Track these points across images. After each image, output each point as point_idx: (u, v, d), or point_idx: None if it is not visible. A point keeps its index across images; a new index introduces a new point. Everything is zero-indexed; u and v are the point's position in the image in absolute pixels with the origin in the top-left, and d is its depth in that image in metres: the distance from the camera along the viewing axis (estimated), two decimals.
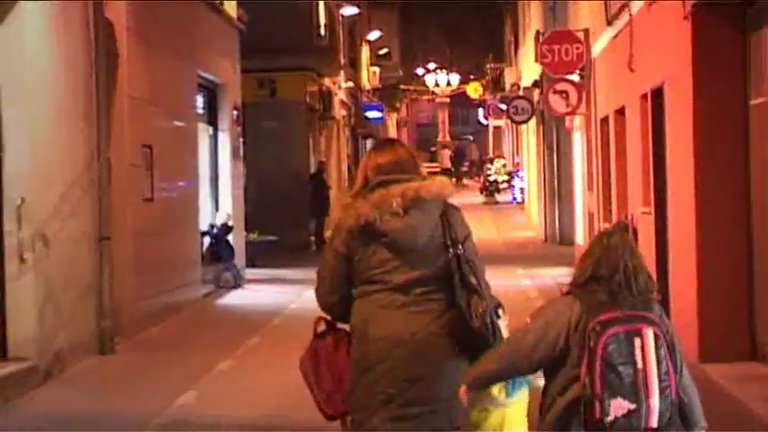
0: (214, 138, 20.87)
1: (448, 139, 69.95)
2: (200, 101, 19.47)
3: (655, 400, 4.60)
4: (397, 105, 63.82)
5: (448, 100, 67.77)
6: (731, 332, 11.07)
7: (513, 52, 45.43)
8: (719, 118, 11.23)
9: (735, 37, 11.12)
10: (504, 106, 39.05)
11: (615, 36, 16.52)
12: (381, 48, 51.99)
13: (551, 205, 28.07)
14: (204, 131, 20.11)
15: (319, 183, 28.93)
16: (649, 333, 4.63)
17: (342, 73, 37.34)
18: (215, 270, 19.34)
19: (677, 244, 12.50)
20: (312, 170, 29.46)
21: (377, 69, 50.11)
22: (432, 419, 5.36)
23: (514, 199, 44.27)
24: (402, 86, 60.36)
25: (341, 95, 37.94)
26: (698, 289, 11.34)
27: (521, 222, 35.91)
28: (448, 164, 63.72)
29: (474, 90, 63.32)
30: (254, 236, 22.97)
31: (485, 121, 64.99)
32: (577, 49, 19.85)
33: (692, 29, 11.33)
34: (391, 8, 57.46)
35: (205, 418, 9.67)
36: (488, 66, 57.48)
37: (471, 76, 65.85)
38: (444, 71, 66.16)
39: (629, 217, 15.40)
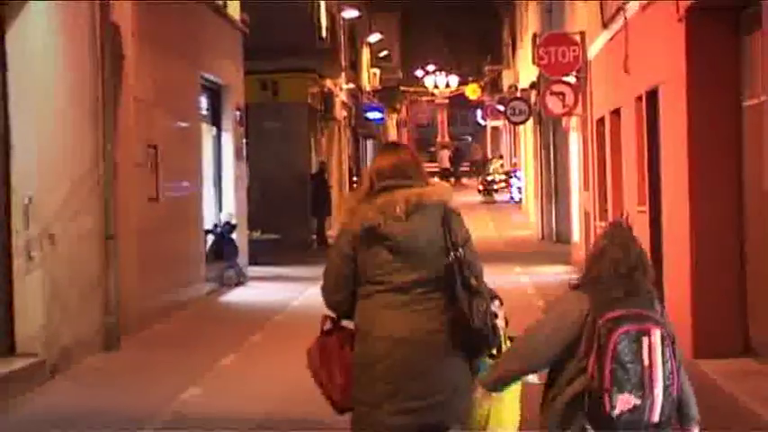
0: (217, 138, 20.87)
1: (447, 139, 69.95)
2: (203, 102, 19.47)
3: (658, 397, 4.68)
4: (397, 106, 63.81)
5: (447, 101, 67.81)
6: (724, 329, 11.07)
7: (510, 54, 45.44)
8: (713, 119, 11.22)
9: (728, 39, 11.11)
10: (501, 107, 39.11)
11: (611, 38, 16.52)
12: (381, 50, 52.02)
13: (548, 204, 28.07)
14: (208, 132, 20.11)
15: (321, 182, 28.93)
16: (657, 333, 4.71)
17: (343, 75, 37.35)
18: (218, 268, 19.34)
19: (671, 242, 12.50)
20: (314, 170, 29.45)
21: (377, 71, 50.13)
22: (433, 413, 5.48)
23: (512, 198, 44.26)
24: (402, 88, 60.37)
25: (342, 97, 37.95)
26: (692, 287, 11.34)
27: (518, 221, 35.91)
28: (447, 164, 63.71)
29: (472, 91, 63.32)
30: (256, 234, 22.99)
31: (483, 122, 65.07)
32: (574, 51, 19.86)
33: (686, 32, 11.33)
34: (391, 11, 57.48)
35: (209, 412, 9.67)
36: (486, 68, 57.53)
37: (470, 78, 65.86)
38: (443, 73, 66.18)
39: (625, 216, 15.39)
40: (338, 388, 5.71)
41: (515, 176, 44.36)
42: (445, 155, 66.06)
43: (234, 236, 20.00)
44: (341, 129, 38.11)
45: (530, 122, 31.36)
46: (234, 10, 21.06)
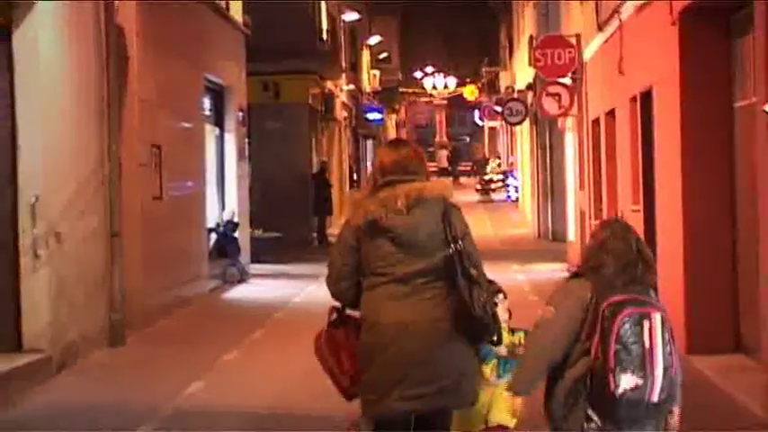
0: (220, 138, 20.86)
1: (445, 139, 69.97)
2: (206, 103, 19.46)
3: (659, 378, 4.81)
4: (397, 107, 63.79)
5: (445, 102, 67.82)
6: (717, 326, 11.08)
7: (507, 56, 45.41)
8: (706, 119, 11.23)
9: (720, 42, 11.12)
10: (499, 108, 39.04)
11: (606, 41, 16.53)
12: (381, 52, 52.00)
13: (544, 203, 28.08)
14: (211, 132, 20.10)
15: (322, 182, 28.92)
16: (657, 317, 4.86)
17: (343, 76, 37.34)
18: (221, 265, 19.35)
19: (665, 241, 12.51)
20: (315, 169, 29.45)
21: (377, 73, 50.12)
22: (439, 398, 5.62)
23: (509, 197, 44.25)
24: (401, 89, 60.35)
25: (342, 98, 37.94)
26: (685, 284, 11.35)
27: (515, 220, 35.91)
28: (445, 163, 63.68)
29: (470, 93, 63.31)
30: (258, 233, 22.98)
31: (480, 123, 64.98)
32: (569, 53, 19.85)
33: (680, 34, 11.34)
34: (391, 14, 57.47)
35: (212, 406, 9.68)
36: (484, 69, 57.46)
37: (468, 80, 65.84)
38: (442, 74, 66.19)
39: (619, 214, 15.41)
40: (346, 375, 5.83)
41: (512, 176, 44.35)
42: (443, 155, 66.07)
43: (237, 234, 20.01)
44: (341, 129, 38.11)
45: (526, 123, 31.36)
46: (236, 12, 21.06)
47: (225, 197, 20.92)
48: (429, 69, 67.54)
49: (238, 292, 18.60)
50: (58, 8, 11.55)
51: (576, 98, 20.15)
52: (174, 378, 10.91)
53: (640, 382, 4.78)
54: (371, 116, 46.48)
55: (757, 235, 8.96)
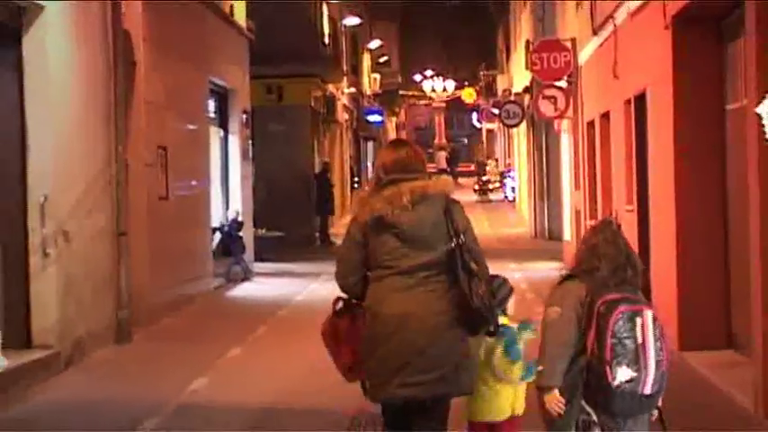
0: (225, 140, 20.87)
1: (444, 141, 69.92)
2: (211, 105, 19.47)
3: (651, 371, 4.96)
4: (397, 110, 63.80)
5: (444, 105, 67.78)
6: (709, 322, 11.08)
7: (505, 60, 45.42)
8: (698, 122, 11.23)
9: (712, 46, 11.12)
10: (496, 111, 39.04)
11: (600, 45, 16.52)
12: (381, 56, 51.98)
13: (541, 203, 28.07)
14: (215, 134, 20.11)
15: (323, 182, 28.91)
16: (649, 314, 5.02)
17: (344, 79, 37.33)
18: (225, 264, 19.34)
19: (658, 239, 12.51)
20: (317, 170, 29.44)
21: (377, 76, 50.11)
22: (439, 385, 5.76)
23: (506, 197, 44.24)
24: (401, 92, 60.35)
25: (343, 100, 37.94)
26: (677, 282, 11.34)
27: (512, 219, 35.91)
28: (444, 164, 63.64)
29: (468, 95, 63.31)
30: (262, 232, 22.98)
31: (478, 125, 65.02)
32: (565, 57, 19.84)
33: (673, 38, 11.33)
34: (391, 19, 57.47)
35: (216, 402, 9.67)
36: (482, 73, 57.49)
37: (466, 83, 65.88)
38: (441, 78, 66.18)
39: (614, 214, 15.40)
40: (348, 360, 5.97)
41: (509, 177, 44.34)
42: (442, 156, 66.01)
43: (242, 233, 20.00)
44: (342, 131, 38.11)
45: (523, 125, 31.35)
46: (240, 17, 21.05)
47: (229, 197, 20.93)
48: (428, 73, 67.55)
49: (242, 290, 18.59)
50: (67, 13, 11.56)
51: (571, 101, 20.14)
52: (178, 374, 10.90)
53: (635, 374, 4.92)
54: (372, 118, 46.48)
55: (748, 233, 8.95)
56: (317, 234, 28.35)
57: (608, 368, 4.90)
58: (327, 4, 32.13)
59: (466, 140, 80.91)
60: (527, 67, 22.64)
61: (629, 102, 14.24)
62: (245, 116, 21.37)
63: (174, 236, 15.64)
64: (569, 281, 5.22)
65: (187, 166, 16.68)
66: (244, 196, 21.12)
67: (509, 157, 48.01)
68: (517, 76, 35.46)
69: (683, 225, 11.32)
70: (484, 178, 49.66)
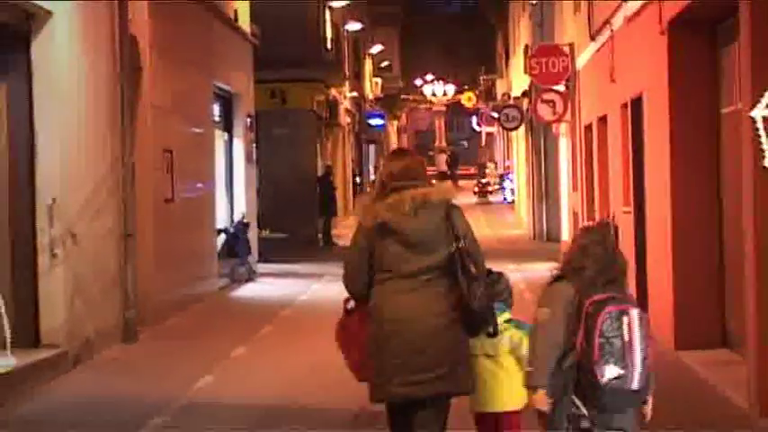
0: (229, 143, 20.87)
1: (444, 144, 69.90)
2: (216, 109, 19.47)
3: (637, 368, 5.06)
4: (398, 113, 63.85)
5: (444, 108, 67.77)
6: (704, 322, 11.07)
7: (504, 65, 45.41)
8: (693, 125, 11.23)
9: (707, 51, 11.12)
10: (495, 114, 39.05)
11: (598, 50, 16.53)
12: (383, 60, 52.06)
13: (539, 205, 28.05)
14: (220, 137, 20.11)
15: (326, 184, 28.92)
16: (635, 313, 5.11)
17: (347, 84, 37.35)
18: (230, 264, 19.34)
19: (654, 240, 12.51)
20: (319, 173, 29.44)
21: (379, 80, 50.17)
22: (438, 384, 5.87)
23: (505, 199, 44.23)
24: (402, 96, 60.41)
25: (346, 104, 37.96)
26: (673, 282, 11.34)
27: (511, 221, 35.89)
28: (444, 167, 63.63)
29: (468, 99, 63.31)
30: (266, 233, 22.98)
31: (478, 128, 64.94)
32: (563, 61, 19.86)
33: (668, 43, 11.34)
34: (392, 25, 57.49)
35: (221, 400, 9.67)
36: (481, 77, 57.48)
37: (466, 87, 65.85)
38: (441, 82, 66.19)
39: (611, 216, 15.41)
40: (358, 360, 6.09)
41: (508, 179, 44.33)
42: (442, 159, 66.00)
43: (249, 234, 20.01)
44: (345, 134, 38.12)
45: (522, 128, 31.33)
46: (245, 23, 21.06)
47: (234, 199, 20.92)
48: (429, 77, 67.56)
49: (247, 291, 18.59)
50: (75, 19, 11.57)
51: (569, 105, 20.16)
52: (184, 373, 10.91)
53: (622, 371, 5.01)
54: (374, 122, 46.52)
55: (742, 234, 8.96)
56: (320, 235, 28.35)
57: (596, 366, 5.00)
58: (330, 10, 32.14)
59: (466, 144, 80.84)
60: (526, 72, 22.64)
61: (625, 105, 14.24)
62: (249, 120, 21.38)
63: (180, 237, 15.65)
64: (559, 281, 5.32)
65: (192, 168, 16.69)
66: (248, 198, 21.13)
67: (508, 159, 47.99)
68: (516, 80, 35.45)
69: (679, 226, 11.32)
70: (483, 180, 49.64)
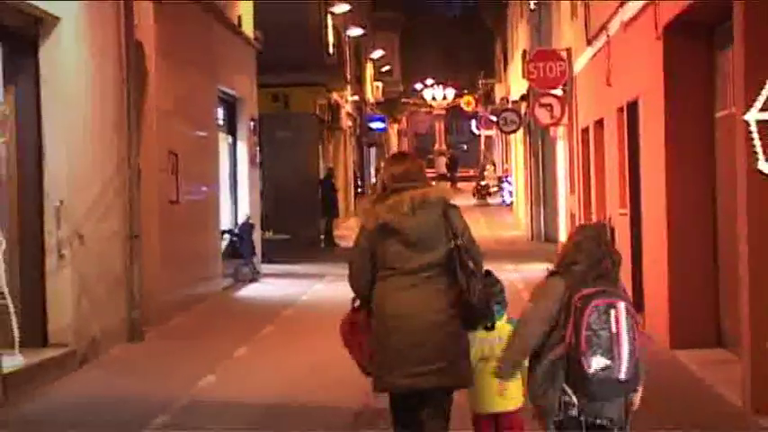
0: (233, 146, 20.87)
1: (444, 147, 69.96)
2: (220, 113, 19.47)
3: (625, 359, 5.14)
4: (398, 117, 63.85)
5: (444, 112, 67.90)
6: (699, 321, 11.07)
7: (502, 69, 45.42)
8: (688, 128, 11.22)
9: (702, 56, 11.11)
10: (494, 118, 39.08)
11: (594, 55, 16.53)
12: (384, 65, 52.07)
13: (537, 207, 28.06)
14: (224, 140, 20.11)
15: (328, 186, 28.91)
16: (622, 306, 5.19)
17: (348, 88, 37.35)
18: (234, 265, 19.34)
19: (650, 241, 12.50)
20: (322, 175, 29.44)
21: (380, 84, 50.19)
22: (437, 377, 6.01)
23: (504, 201, 44.22)
24: (402, 100, 60.45)
25: (347, 108, 37.96)
26: (668, 282, 11.33)
27: (509, 222, 35.88)
28: (443, 170, 63.66)
29: (467, 103, 63.38)
30: (269, 234, 22.97)
31: (477, 132, 64.99)
32: (560, 66, 19.86)
33: (664, 48, 11.33)
34: (393, 30, 57.52)
35: (224, 398, 9.66)
36: (480, 81, 57.50)
37: (465, 91, 65.91)
38: (441, 86, 66.27)
39: (608, 217, 15.40)
40: (364, 354, 6.23)
41: (507, 181, 44.32)
42: (442, 161, 66.03)
43: (254, 235, 20.01)
44: (346, 137, 38.12)
45: (520, 132, 31.33)
46: (248, 28, 21.06)
47: (237, 201, 20.92)
48: (429, 81, 67.63)
49: (250, 291, 18.58)
50: (82, 25, 11.57)
51: (566, 108, 20.15)
52: (188, 372, 10.90)
53: (609, 362, 5.12)
54: (374, 125, 46.51)
55: (736, 235, 8.95)
56: (322, 237, 28.35)
57: (584, 358, 5.10)
58: (332, 15, 32.15)
59: (465, 147, 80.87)
60: (524, 76, 22.66)
61: (622, 109, 14.23)
62: (252, 123, 21.38)
63: (185, 238, 15.64)
64: (552, 277, 5.40)
65: (197, 171, 16.68)
66: (252, 200, 21.13)
67: (506, 162, 47.99)
68: (514, 84, 35.45)
69: (674, 227, 11.32)
70: (482, 183, 49.63)
